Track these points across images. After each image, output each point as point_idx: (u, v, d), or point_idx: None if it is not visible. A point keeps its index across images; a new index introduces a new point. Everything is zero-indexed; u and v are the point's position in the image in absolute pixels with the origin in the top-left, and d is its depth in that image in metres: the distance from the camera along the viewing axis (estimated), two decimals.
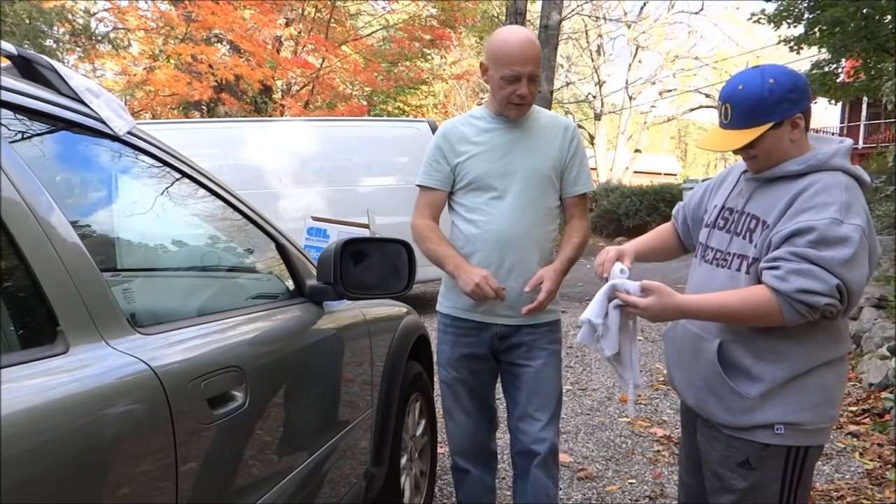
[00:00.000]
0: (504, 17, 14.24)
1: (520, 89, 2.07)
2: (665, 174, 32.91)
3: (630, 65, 26.72)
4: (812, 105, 1.62)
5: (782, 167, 1.57)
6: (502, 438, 2.49)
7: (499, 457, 2.50)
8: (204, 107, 14.37)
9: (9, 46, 1.32)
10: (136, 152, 1.52)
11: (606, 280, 1.69)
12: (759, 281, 1.55)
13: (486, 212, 2.16)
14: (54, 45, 12.75)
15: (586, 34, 25.03)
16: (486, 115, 2.22)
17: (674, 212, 2.01)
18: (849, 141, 1.62)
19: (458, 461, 2.34)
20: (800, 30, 9.42)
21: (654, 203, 17.59)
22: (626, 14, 26.08)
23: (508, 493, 2.95)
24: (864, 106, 21.04)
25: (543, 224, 2.20)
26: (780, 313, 1.48)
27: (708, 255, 1.73)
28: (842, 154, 1.57)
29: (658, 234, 2.02)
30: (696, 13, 28.14)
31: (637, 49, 26.32)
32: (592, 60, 26.02)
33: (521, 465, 2.22)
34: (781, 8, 9.32)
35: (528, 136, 2.19)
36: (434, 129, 7.46)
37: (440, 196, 2.24)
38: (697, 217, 1.88)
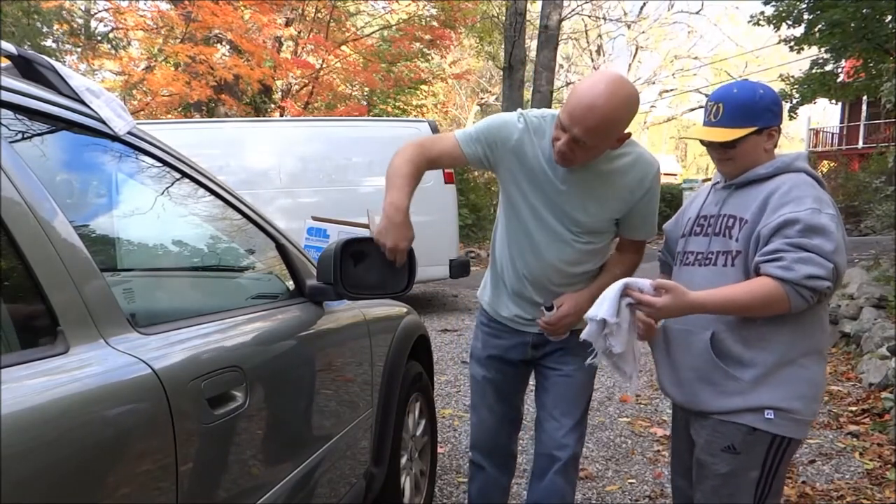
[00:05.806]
0: (504, 18, 14.22)
1: (559, 144, 1.83)
2: (665, 174, 32.79)
3: (630, 65, 26.74)
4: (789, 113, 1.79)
5: (753, 172, 1.72)
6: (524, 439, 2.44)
7: (518, 458, 2.45)
8: (204, 107, 14.37)
9: (9, 46, 1.32)
10: (137, 152, 1.52)
11: None
12: (747, 272, 1.65)
13: (519, 239, 2.05)
14: (53, 46, 12.73)
15: (586, 34, 25.05)
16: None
17: (659, 259, 2.04)
18: (804, 151, 1.73)
19: (475, 456, 2.31)
20: (800, 30, 9.42)
21: None
22: (626, 14, 26.10)
23: (515, 487, 2.94)
24: (864, 106, 21.03)
25: (578, 265, 2.06)
26: (787, 301, 1.57)
27: (688, 259, 1.81)
28: (802, 158, 1.74)
29: None
30: (696, 13, 28.19)
31: (637, 49, 26.36)
32: (592, 60, 26.03)
33: (541, 467, 2.18)
34: (781, 9, 9.31)
35: (591, 179, 1.96)
36: (434, 129, 7.45)
37: (457, 157, 2.02)
38: (676, 239, 1.92)
